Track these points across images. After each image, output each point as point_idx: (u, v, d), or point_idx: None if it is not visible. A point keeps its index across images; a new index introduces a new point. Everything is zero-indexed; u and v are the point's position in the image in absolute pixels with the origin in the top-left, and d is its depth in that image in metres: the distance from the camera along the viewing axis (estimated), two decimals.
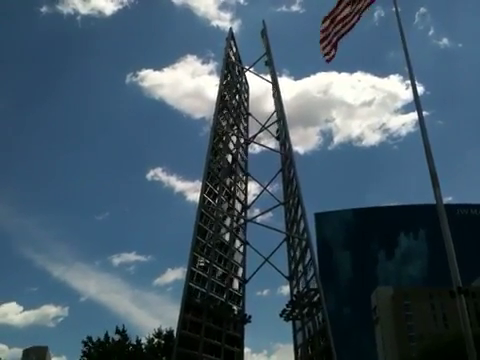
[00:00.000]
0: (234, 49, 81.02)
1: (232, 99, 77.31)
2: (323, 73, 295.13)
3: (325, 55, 20.10)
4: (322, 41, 19.83)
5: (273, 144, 79.80)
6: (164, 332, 68.95)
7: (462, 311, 15.68)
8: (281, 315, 62.10)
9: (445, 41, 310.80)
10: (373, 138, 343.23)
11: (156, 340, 68.85)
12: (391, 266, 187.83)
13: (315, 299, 58.94)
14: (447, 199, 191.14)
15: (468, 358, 14.71)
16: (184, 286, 57.64)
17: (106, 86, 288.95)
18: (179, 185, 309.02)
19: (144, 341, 68.78)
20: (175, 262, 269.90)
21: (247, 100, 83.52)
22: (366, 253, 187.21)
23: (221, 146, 72.14)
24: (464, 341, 14.39)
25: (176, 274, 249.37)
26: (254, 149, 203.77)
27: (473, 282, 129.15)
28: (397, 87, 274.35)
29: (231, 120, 75.80)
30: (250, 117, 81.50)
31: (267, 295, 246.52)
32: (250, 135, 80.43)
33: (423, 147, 17.23)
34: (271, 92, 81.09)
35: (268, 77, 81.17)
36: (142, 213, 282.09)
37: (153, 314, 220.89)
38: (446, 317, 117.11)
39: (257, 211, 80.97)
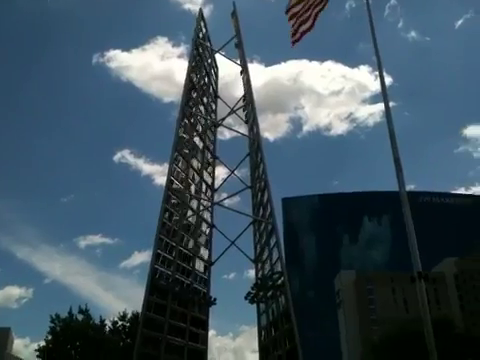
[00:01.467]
0: (204, 30, 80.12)
1: (201, 81, 76.61)
2: (294, 61, 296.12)
3: (292, 36, 20.07)
4: (291, 20, 19.72)
5: (241, 128, 79.86)
6: (129, 315, 68.78)
7: (421, 296, 16.16)
8: (246, 298, 62.72)
9: (413, 34, 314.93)
10: (341, 127, 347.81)
11: (120, 323, 68.60)
12: (355, 251, 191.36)
13: (279, 282, 59.67)
14: (410, 187, 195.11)
15: (426, 341, 15.20)
16: (149, 268, 57.45)
17: (72, 66, 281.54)
18: (147, 168, 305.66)
19: (109, 324, 68.48)
20: (142, 245, 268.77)
21: (216, 83, 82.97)
22: (331, 238, 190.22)
23: (189, 128, 71.62)
24: (423, 325, 14.78)
25: (143, 257, 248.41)
26: (224, 136, 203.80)
27: (433, 268, 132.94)
28: (366, 78, 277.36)
29: (200, 102, 75.25)
30: (219, 100, 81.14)
31: (233, 278, 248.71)
32: (218, 118, 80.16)
33: (388, 136, 17.71)
34: (240, 77, 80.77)
35: (238, 62, 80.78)
36: (109, 195, 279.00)
37: (119, 297, 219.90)
38: (406, 301, 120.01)
39: (224, 195, 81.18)
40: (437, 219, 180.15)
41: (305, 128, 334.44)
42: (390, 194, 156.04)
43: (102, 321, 68.30)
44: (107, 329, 68.28)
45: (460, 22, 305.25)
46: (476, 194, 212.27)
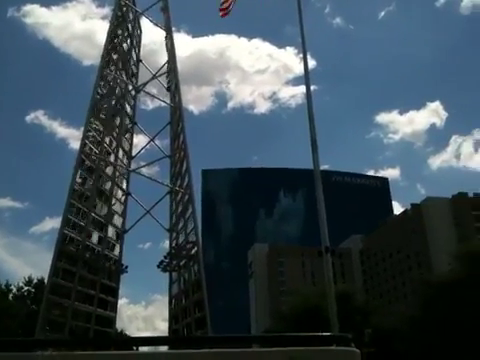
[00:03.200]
0: None
1: (123, 43, 73.47)
2: (222, 35, 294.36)
3: (221, 5, 19.79)
4: None
5: (163, 97, 78.00)
6: (35, 280, 66.32)
7: (327, 269, 17.00)
8: (159, 266, 62.50)
9: (338, 21, 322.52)
10: (264, 106, 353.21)
11: (26, 288, 66.07)
12: (270, 224, 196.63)
13: (193, 252, 59.96)
14: (324, 166, 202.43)
15: (329, 312, 15.88)
16: (58, 233, 55.48)
17: None
18: (62, 131, 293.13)
19: (14, 290, 65.82)
20: (54, 211, 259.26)
21: (139, 47, 79.89)
22: (248, 211, 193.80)
23: (108, 91, 68.89)
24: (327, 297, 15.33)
25: (54, 223, 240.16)
26: (147, 106, 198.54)
27: (341, 244, 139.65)
28: (292, 59, 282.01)
29: (120, 65, 72.38)
30: (141, 66, 78.41)
31: (149, 248, 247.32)
32: (140, 84, 77.65)
33: (307, 117, 18.24)
34: (165, 43, 78.43)
35: (164, 27, 78.30)
36: (19, 158, 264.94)
37: (28, 263, 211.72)
38: (314, 275, 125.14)
39: (142, 163, 79.54)
40: (347, 198, 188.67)
41: (229, 104, 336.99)
42: (305, 172, 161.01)
43: (8, 286, 65.47)
44: (12, 295, 65.60)
45: (382, 14, 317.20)
46: (384, 176, 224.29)
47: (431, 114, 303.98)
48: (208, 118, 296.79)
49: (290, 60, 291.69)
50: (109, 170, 68.42)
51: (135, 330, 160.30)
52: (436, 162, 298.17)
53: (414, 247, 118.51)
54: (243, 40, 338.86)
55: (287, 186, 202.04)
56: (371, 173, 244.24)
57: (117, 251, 65.90)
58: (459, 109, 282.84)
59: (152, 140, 74.64)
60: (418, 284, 42.81)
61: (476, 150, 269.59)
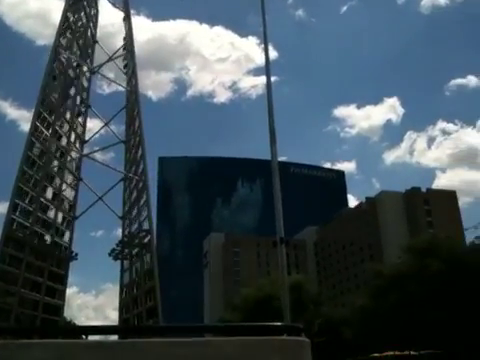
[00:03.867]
0: None
1: (79, 22, 70.88)
2: (183, 20, 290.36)
3: None
4: None
5: (120, 81, 75.84)
6: None
7: (281, 259, 16.86)
8: (110, 254, 61.11)
9: (301, 13, 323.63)
10: (224, 95, 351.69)
11: None
12: (227, 214, 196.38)
13: (146, 240, 58.84)
14: (282, 158, 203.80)
15: (281, 302, 15.51)
16: (5, 217, 53.36)
17: None
18: (13, 112, 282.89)
19: None
20: (1, 195, 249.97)
21: (96, 28, 77.38)
22: (204, 200, 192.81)
23: (61, 72, 66.34)
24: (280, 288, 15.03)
25: (1, 208, 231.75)
26: (103, 90, 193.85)
27: (297, 235, 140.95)
28: (254, 49, 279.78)
29: (75, 45, 69.82)
30: (97, 47, 75.97)
31: (101, 236, 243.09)
32: (95, 65, 75.27)
33: (267, 108, 18.11)
34: (123, 25, 76.28)
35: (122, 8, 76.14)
36: None
37: None
38: (269, 265, 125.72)
39: (96, 148, 77.31)
40: (304, 190, 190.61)
41: (189, 92, 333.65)
42: (264, 162, 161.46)
43: None
44: None
45: (345, 8, 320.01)
46: (341, 169, 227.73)
47: (388, 110, 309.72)
48: (167, 105, 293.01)
49: (252, 50, 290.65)
50: (60, 154, 66.14)
51: (85, 319, 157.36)
52: (390, 157, 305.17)
53: (367, 240, 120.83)
54: (205, 27, 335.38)
55: (245, 176, 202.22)
56: (328, 166, 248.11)
57: (67, 238, 64.01)
58: (415, 106, 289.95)
59: (107, 124, 72.67)
60: (369, 275, 43.30)
61: (429, 147, 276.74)
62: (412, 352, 21.86)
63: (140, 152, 64.15)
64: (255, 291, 53.94)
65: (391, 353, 26.03)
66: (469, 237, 41.69)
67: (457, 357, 33.40)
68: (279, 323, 14.75)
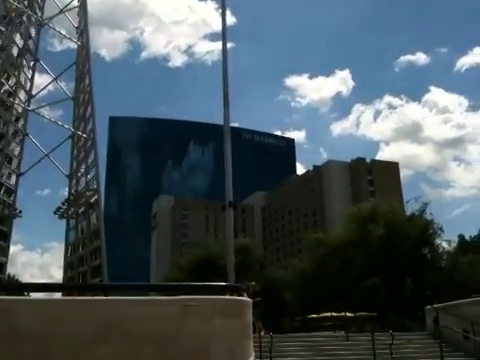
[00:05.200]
0: None
1: None
2: None
3: None
4: None
5: (71, 37, 72.93)
6: None
7: (229, 223, 17.42)
8: (56, 212, 60.20)
9: None
10: (179, 59, 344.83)
11: None
12: (177, 176, 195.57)
13: (93, 200, 58.26)
14: (234, 124, 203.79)
15: (226, 263, 16.12)
16: None
17: None
18: None
19: None
20: None
21: None
22: (155, 161, 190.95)
23: (9, 22, 63.21)
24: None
25: None
26: (54, 48, 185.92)
27: (246, 199, 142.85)
28: (212, 14, 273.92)
29: None
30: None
31: (47, 195, 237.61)
32: (46, 17, 72.03)
33: (222, 72, 18.36)
34: None
35: None
36: None
37: None
38: (217, 228, 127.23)
39: (44, 103, 74.75)
40: (255, 156, 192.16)
41: (143, 54, 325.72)
42: (216, 127, 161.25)
43: None
44: None
45: None
46: (291, 138, 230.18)
47: (339, 82, 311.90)
48: (120, 66, 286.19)
49: (210, 14, 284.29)
50: (5, 108, 63.65)
51: (29, 277, 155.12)
52: (338, 128, 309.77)
53: (312, 206, 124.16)
54: None
55: (197, 140, 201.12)
56: (278, 134, 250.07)
57: (11, 194, 62.38)
58: (365, 79, 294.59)
59: (55, 79, 70.39)
60: (312, 241, 44.89)
61: (375, 120, 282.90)
62: (348, 314, 23.31)
63: (89, 110, 62.75)
64: (202, 252, 54.83)
65: (328, 314, 27.51)
66: (409, 209, 43.70)
67: (389, 320, 35.60)
68: (222, 283, 15.47)
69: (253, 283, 19.34)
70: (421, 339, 17.26)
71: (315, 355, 14.13)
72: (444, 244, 43.84)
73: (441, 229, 41.83)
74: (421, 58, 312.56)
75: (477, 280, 41.18)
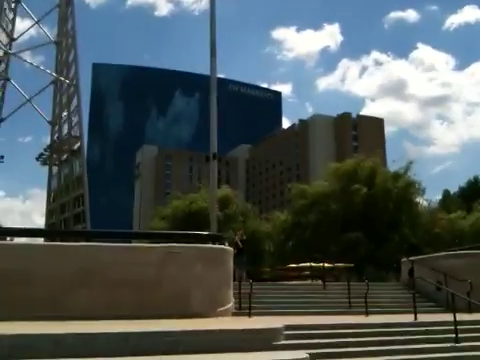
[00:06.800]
0: None
1: None
2: None
3: None
4: None
5: None
6: None
7: (212, 174, 17.54)
8: (38, 159, 59.64)
9: None
10: (165, 8, 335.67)
11: None
12: (161, 126, 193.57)
13: (75, 147, 57.67)
14: (221, 75, 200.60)
15: (210, 213, 16.34)
16: None
17: None
18: None
19: None
20: None
21: None
22: (139, 110, 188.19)
23: None
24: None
25: None
26: None
27: (230, 152, 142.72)
28: None
29: None
30: None
31: (29, 142, 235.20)
32: None
33: (209, 19, 17.96)
34: None
35: None
36: None
37: None
38: (201, 180, 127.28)
39: (25, 48, 72.43)
40: (241, 108, 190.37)
41: (128, 2, 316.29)
42: (203, 77, 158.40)
43: None
44: None
45: None
46: (278, 90, 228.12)
47: (327, 36, 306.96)
48: (104, 13, 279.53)
49: None
50: None
51: (11, 224, 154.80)
52: (323, 83, 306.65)
53: (296, 160, 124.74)
54: None
55: (183, 89, 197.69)
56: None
57: None
58: (354, 35, 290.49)
59: (37, 23, 67.99)
60: (294, 191, 45.20)
61: (361, 76, 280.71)
62: (326, 264, 23.89)
63: (72, 54, 61.12)
64: (185, 202, 55.17)
65: (307, 264, 28.11)
66: (392, 167, 44.05)
67: (366, 271, 36.62)
68: (204, 232, 15.72)
69: (241, 232, 19.73)
70: (396, 289, 17.85)
71: (293, 302, 14.56)
72: (424, 203, 44.74)
73: (423, 190, 42.54)
74: (411, 15, 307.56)
75: (455, 235, 42.37)
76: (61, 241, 15.48)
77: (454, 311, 9.90)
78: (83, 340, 7.27)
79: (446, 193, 62.79)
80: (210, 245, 14.28)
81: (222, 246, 14.57)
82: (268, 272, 35.54)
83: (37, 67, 66.00)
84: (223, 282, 13.13)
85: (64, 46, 65.17)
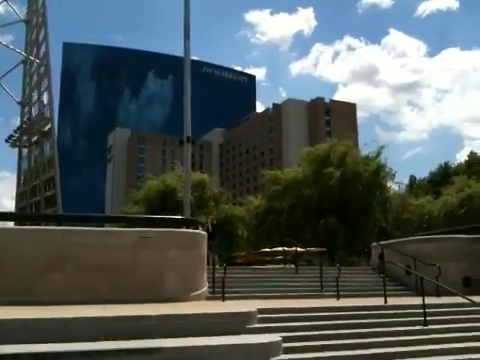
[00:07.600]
0: None
1: None
2: None
3: None
4: None
5: None
6: None
7: (186, 158, 17.54)
8: (7, 141, 58.30)
9: None
10: None
11: None
12: (134, 108, 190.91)
13: (46, 128, 56.52)
14: (194, 57, 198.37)
15: (183, 197, 16.26)
16: None
17: None
18: None
19: None
20: None
21: None
22: (111, 91, 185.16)
23: None
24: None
25: None
26: None
27: (204, 136, 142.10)
28: None
29: None
30: None
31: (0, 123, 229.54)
32: None
33: (183, 2, 17.96)
34: None
35: None
36: None
37: None
38: (174, 163, 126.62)
39: None
40: (215, 91, 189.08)
41: None
42: (177, 59, 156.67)
43: None
44: None
45: None
46: (252, 74, 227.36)
47: (301, 20, 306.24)
48: None
49: None
50: None
51: None
52: (296, 68, 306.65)
53: (270, 144, 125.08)
54: None
55: (156, 71, 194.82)
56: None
57: None
58: (328, 19, 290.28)
59: (6, 0, 65.94)
60: (267, 177, 45.35)
61: (333, 61, 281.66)
62: (299, 249, 24.16)
63: (42, 33, 59.60)
64: (158, 186, 54.82)
65: (280, 249, 28.41)
66: (363, 151, 44.46)
67: (337, 255, 37.20)
68: (178, 217, 15.70)
69: (212, 216, 19.81)
70: (366, 273, 18.20)
71: (266, 286, 14.72)
72: (394, 187, 45.39)
73: (394, 175, 43.10)
74: (385, 1, 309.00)
75: (423, 220, 43.32)
76: (32, 225, 15.28)
77: (423, 295, 10.16)
78: (56, 325, 7.22)
79: (412, 179, 64.03)
80: (184, 229, 14.30)
81: (196, 230, 14.61)
82: (242, 256, 35.78)
83: (6, 46, 64.20)
84: (197, 266, 13.18)
85: (34, 24, 63.54)
